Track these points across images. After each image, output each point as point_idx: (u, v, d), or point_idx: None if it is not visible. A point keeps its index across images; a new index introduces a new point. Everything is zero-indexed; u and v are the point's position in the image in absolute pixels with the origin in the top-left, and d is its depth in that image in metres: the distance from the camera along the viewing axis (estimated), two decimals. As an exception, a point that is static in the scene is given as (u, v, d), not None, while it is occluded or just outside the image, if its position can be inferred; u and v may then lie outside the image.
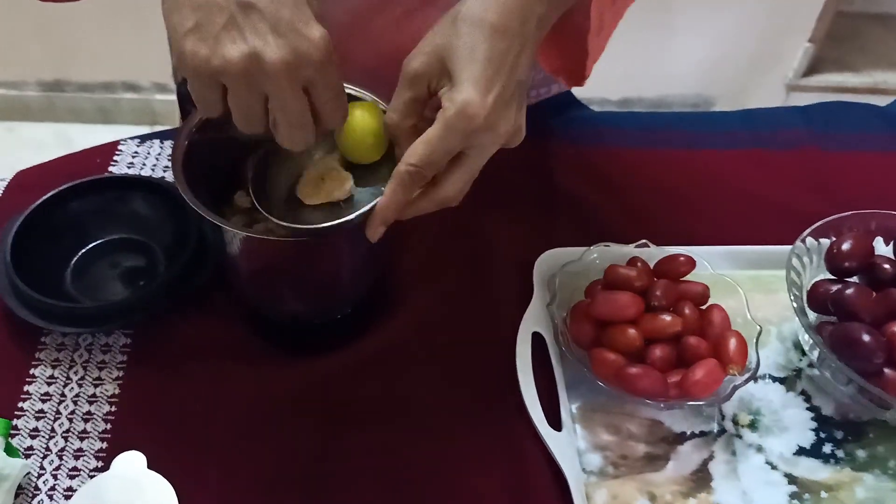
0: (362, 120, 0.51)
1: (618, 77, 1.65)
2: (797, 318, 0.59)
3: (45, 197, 0.64)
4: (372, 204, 0.48)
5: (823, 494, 0.55)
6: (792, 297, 0.59)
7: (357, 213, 0.49)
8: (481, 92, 0.45)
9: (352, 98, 0.56)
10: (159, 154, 0.74)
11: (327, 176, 0.52)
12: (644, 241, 0.64)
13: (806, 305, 0.61)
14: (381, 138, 0.51)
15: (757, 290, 0.65)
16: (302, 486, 0.54)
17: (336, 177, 0.53)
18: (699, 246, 0.65)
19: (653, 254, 0.63)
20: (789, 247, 0.62)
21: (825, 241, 0.63)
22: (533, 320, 0.61)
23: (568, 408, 0.58)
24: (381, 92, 0.57)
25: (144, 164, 0.73)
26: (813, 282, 0.63)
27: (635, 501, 0.54)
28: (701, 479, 0.56)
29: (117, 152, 0.74)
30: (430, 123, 0.47)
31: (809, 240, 0.63)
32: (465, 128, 0.45)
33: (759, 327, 0.59)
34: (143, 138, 0.76)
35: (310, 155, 0.54)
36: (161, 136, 0.76)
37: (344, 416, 0.57)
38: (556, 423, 0.57)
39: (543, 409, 0.57)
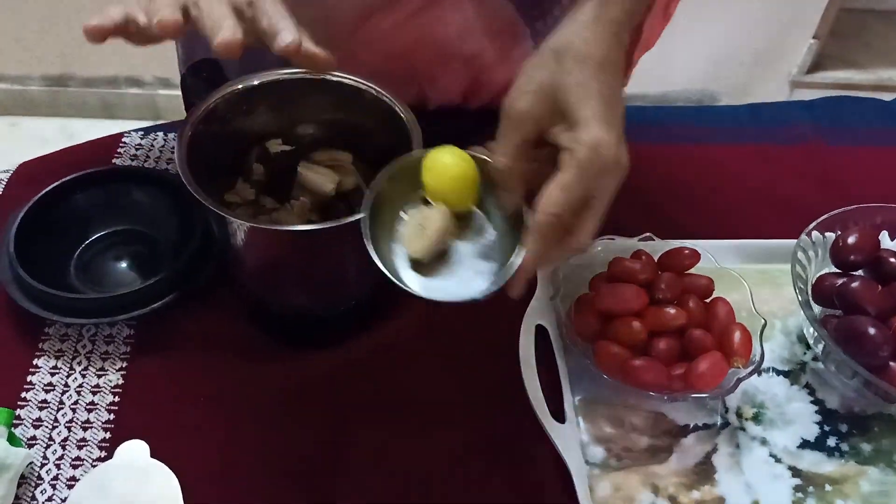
0: (456, 166, 0.49)
1: (621, 73, 1.65)
2: (802, 312, 0.59)
3: (49, 188, 0.64)
4: (514, 263, 0.46)
5: (828, 487, 0.55)
6: (797, 291, 0.59)
7: (505, 276, 0.46)
8: (607, 130, 0.44)
9: (428, 138, 0.53)
10: (163, 146, 0.74)
11: (426, 222, 0.50)
12: (648, 234, 0.64)
13: (811, 299, 0.61)
14: (476, 183, 0.49)
15: (762, 284, 0.65)
16: (304, 477, 0.54)
17: (437, 218, 0.50)
18: (704, 240, 0.64)
19: (657, 247, 0.63)
20: (794, 241, 0.62)
21: (830, 235, 0.63)
22: (536, 313, 0.61)
23: (571, 400, 0.58)
24: (388, 90, 0.57)
25: (148, 157, 0.73)
26: (818, 275, 0.63)
27: (638, 493, 0.54)
28: (704, 471, 0.55)
29: (121, 144, 0.74)
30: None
31: (815, 233, 0.63)
32: (600, 168, 0.44)
33: (763, 320, 0.58)
34: (147, 130, 0.76)
35: (400, 212, 0.51)
36: (164, 128, 0.76)
37: (347, 408, 0.57)
38: (559, 415, 0.56)
39: (547, 402, 0.56)
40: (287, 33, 0.46)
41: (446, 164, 0.49)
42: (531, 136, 0.47)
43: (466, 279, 0.49)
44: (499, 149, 0.47)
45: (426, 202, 0.51)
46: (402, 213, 0.51)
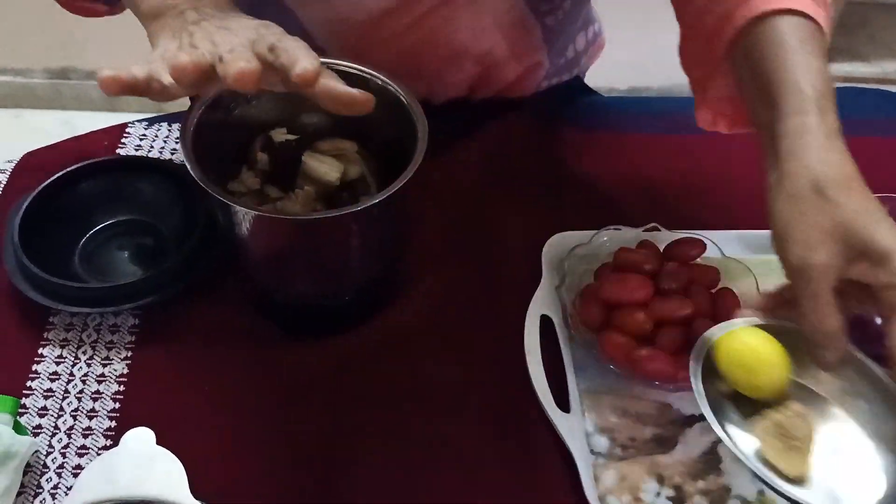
0: (769, 352, 0.45)
1: (626, 65, 1.63)
2: (808, 302, 0.58)
3: (53, 177, 0.64)
4: None
5: (833, 478, 0.55)
6: (803, 281, 0.58)
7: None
8: None
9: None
10: (167, 136, 0.74)
11: (789, 432, 0.45)
12: (654, 224, 0.64)
13: (817, 289, 0.61)
14: (787, 357, 0.46)
15: (768, 274, 0.64)
16: (309, 466, 0.54)
17: (804, 427, 0.45)
18: (709, 230, 0.64)
19: (663, 237, 0.62)
20: (800, 231, 0.61)
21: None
22: (541, 303, 0.61)
23: (576, 390, 0.58)
24: (394, 81, 0.56)
25: (152, 147, 0.73)
26: (824, 266, 0.62)
27: (643, 483, 0.54)
28: (710, 461, 0.55)
29: (125, 135, 0.74)
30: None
31: (821, 224, 0.62)
32: None
33: (769, 311, 0.58)
34: (151, 121, 0.75)
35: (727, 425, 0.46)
36: (169, 118, 0.76)
37: (352, 397, 0.57)
38: (564, 405, 0.56)
39: (552, 392, 0.56)
40: (306, 61, 0.42)
41: (756, 350, 0.45)
42: (836, 287, 0.44)
43: (841, 465, 0.44)
44: (814, 312, 0.43)
45: (735, 394, 0.47)
46: (729, 424, 0.46)
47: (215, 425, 0.55)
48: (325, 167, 0.60)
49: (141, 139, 0.74)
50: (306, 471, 0.54)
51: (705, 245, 0.61)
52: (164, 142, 0.74)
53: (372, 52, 0.66)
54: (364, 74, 0.57)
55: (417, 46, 0.69)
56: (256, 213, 0.51)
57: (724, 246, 0.63)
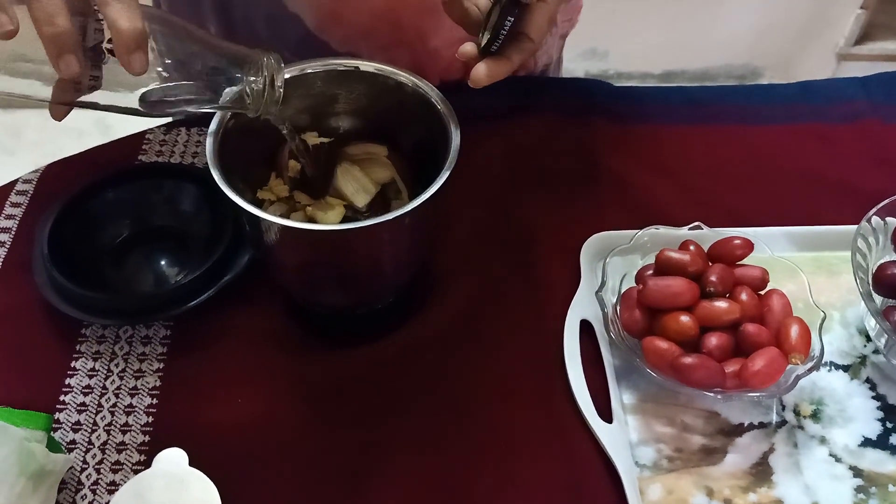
0: None
1: (659, 49, 1.59)
2: (863, 303, 0.55)
3: (80, 187, 0.63)
4: None
5: (891, 488, 0.52)
6: (858, 281, 0.56)
7: None
8: None
9: None
10: (187, 141, 0.73)
11: None
12: (697, 223, 0.61)
13: (871, 289, 0.58)
14: None
15: (817, 272, 0.62)
16: (346, 480, 0.53)
17: None
18: (756, 227, 0.61)
19: (707, 236, 0.60)
20: (852, 227, 0.58)
21: (892, 221, 0.60)
22: (581, 307, 0.59)
23: (619, 399, 0.56)
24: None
25: (173, 152, 0.72)
26: (879, 263, 0.59)
27: (692, 497, 0.52)
28: (761, 472, 0.53)
29: (145, 141, 0.73)
30: None
31: (875, 219, 0.59)
32: None
33: (822, 313, 0.56)
34: (170, 126, 0.74)
35: None
36: (187, 123, 0.75)
37: (387, 407, 0.56)
38: (606, 414, 0.54)
39: (593, 401, 0.54)
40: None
41: None
42: None
43: None
44: None
45: None
46: None
47: (248, 440, 0.54)
48: (352, 188, 0.58)
49: (161, 145, 0.73)
50: (341, 487, 0.52)
51: (752, 244, 0.58)
52: (185, 146, 0.73)
53: (348, 13, 0.61)
54: (397, 77, 0.56)
55: (392, 6, 0.65)
56: (283, 224, 0.50)
57: (771, 244, 0.60)
